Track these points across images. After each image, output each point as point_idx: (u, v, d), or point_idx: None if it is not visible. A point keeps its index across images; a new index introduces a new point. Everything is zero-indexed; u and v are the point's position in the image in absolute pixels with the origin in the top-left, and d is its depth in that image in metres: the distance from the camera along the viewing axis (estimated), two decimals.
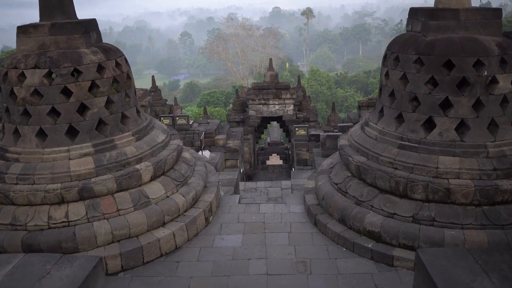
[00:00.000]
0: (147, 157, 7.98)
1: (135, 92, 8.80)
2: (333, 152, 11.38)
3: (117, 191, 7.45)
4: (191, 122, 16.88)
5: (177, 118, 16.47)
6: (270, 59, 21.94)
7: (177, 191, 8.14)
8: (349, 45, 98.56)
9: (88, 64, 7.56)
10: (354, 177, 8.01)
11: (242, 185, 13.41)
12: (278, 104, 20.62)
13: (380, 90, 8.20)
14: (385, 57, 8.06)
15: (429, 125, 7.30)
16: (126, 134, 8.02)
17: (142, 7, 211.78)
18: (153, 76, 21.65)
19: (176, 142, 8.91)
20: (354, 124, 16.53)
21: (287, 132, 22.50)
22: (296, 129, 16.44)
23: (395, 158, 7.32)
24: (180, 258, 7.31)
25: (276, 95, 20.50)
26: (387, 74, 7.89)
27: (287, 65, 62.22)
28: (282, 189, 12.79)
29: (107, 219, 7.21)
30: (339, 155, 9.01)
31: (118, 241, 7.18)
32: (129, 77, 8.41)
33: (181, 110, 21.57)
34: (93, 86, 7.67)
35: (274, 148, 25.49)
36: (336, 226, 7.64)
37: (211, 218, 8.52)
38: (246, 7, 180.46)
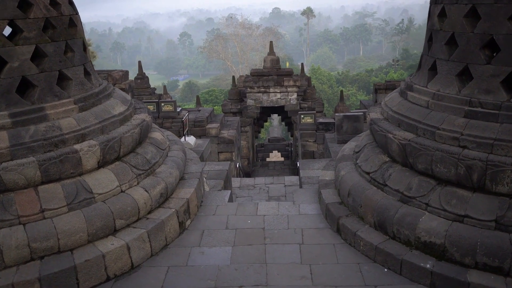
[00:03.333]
0: (93, 133, 5.50)
1: (86, 48, 6.33)
2: (352, 137, 8.91)
3: (42, 183, 4.96)
4: (178, 108, 14.42)
5: (163, 104, 14.01)
6: (271, 42, 19.48)
7: (137, 183, 5.66)
8: (350, 45, 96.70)
9: None
10: (395, 162, 5.54)
11: (237, 181, 10.94)
12: (280, 93, 18.18)
13: (430, 39, 5.74)
14: None
15: None
16: (65, 101, 5.54)
17: (142, 8, 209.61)
18: (139, 62, 19.18)
19: (141, 116, 6.43)
20: None
21: (290, 125, 20.06)
22: (302, 116, 13.96)
23: (462, 131, 4.85)
24: (136, 284, 4.83)
25: (278, 82, 18.07)
26: (442, 14, 5.44)
27: (287, 64, 60.13)
28: (285, 186, 10.34)
29: (23, 224, 4.73)
30: (367, 135, 6.55)
31: (41, 258, 4.71)
32: (73, 23, 5.94)
33: (170, 99, 19.06)
34: (13, 30, 5.24)
35: (275, 144, 23.07)
36: (371, 234, 5.15)
37: (188, 223, 6.03)
38: (246, 8, 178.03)
